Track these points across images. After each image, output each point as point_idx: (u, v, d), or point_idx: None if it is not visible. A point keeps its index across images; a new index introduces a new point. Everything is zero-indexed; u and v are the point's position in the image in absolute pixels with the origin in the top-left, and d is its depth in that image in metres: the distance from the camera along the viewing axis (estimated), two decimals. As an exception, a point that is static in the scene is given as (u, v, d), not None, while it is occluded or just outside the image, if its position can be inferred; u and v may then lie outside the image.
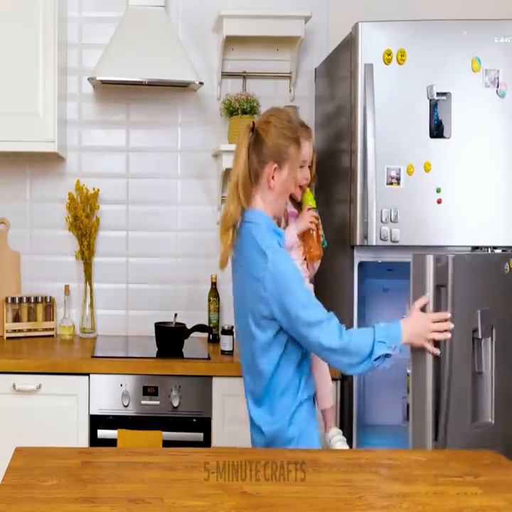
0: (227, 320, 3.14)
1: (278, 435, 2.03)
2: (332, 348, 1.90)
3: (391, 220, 2.44)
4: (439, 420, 2.00)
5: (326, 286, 2.79)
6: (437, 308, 1.99)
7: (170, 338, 2.88)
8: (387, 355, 1.92)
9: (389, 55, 2.44)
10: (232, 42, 3.11)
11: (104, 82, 3.01)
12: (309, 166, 2.48)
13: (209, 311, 3.13)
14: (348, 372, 2.00)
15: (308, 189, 2.55)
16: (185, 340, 2.88)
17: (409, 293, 2.05)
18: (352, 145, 2.52)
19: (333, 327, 1.91)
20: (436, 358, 1.99)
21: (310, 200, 2.49)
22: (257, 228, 2.02)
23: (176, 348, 2.86)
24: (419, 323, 1.97)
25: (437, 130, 2.45)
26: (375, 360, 1.91)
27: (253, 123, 2.06)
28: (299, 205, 2.50)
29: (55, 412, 2.66)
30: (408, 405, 2.51)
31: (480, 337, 2.06)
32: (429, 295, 1.99)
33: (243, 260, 2.05)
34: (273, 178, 2.03)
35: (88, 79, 2.98)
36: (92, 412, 2.68)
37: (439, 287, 2.00)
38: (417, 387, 2.04)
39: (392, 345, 1.92)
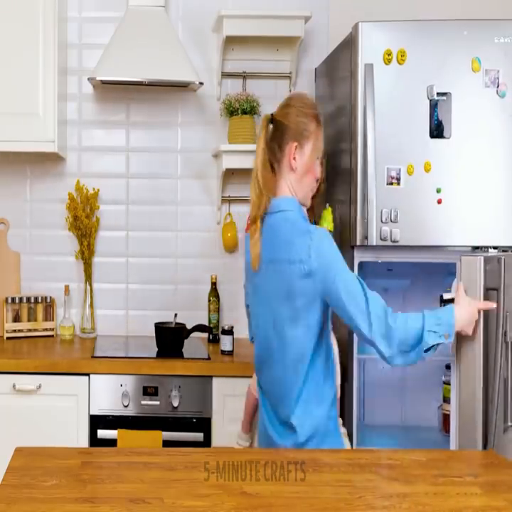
0: (227, 320, 3.14)
1: (320, 428, 1.94)
2: (371, 337, 1.81)
3: (391, 220, 2.44)
4: (489, 427, 1.93)
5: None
6: (487, 312, 1.93)
7: (170, 338, 2.88)
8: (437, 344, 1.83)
9: (389, 55, 2.43)
10: (232, 42, 3.11)
11: (104, 82, 3.01)
12: (321, 163, 2.28)
13: (209, 311, 3.13)
14: (390, 364, 1.86)
15: (329, 208, 2.49)
16: (185, 341, 2.88)
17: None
18: (352, 145, 2.52)
19: (377, 311, 1.80)
20: (486, 365, 1.92)
21: (328, 222, 2.42)
22: (294, 215, 1.94)
23: (176, 348, 2.86)
24: (471, 311, 1.88)
25: (437, 130, 2.45)
26: (426, 350, 1.82)
27: (271, 114, 2.01)
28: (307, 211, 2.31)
29: (55, 412, 2.67)
30: (445, 414, 2.50)
31: (509, 340, 1.98)
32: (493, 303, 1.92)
33: (276, 251, 1.93)
34: (294, 158, 1.96)
35: (88, 79, 2.98)
36: (92, 412, 2.69)
37: (488, 290, 1.93)
38: (465, 396, 1.95)
39: (446, 333, 1.82)
